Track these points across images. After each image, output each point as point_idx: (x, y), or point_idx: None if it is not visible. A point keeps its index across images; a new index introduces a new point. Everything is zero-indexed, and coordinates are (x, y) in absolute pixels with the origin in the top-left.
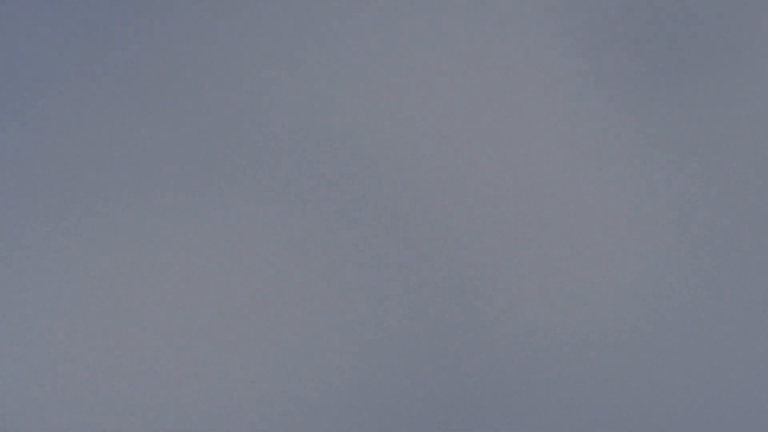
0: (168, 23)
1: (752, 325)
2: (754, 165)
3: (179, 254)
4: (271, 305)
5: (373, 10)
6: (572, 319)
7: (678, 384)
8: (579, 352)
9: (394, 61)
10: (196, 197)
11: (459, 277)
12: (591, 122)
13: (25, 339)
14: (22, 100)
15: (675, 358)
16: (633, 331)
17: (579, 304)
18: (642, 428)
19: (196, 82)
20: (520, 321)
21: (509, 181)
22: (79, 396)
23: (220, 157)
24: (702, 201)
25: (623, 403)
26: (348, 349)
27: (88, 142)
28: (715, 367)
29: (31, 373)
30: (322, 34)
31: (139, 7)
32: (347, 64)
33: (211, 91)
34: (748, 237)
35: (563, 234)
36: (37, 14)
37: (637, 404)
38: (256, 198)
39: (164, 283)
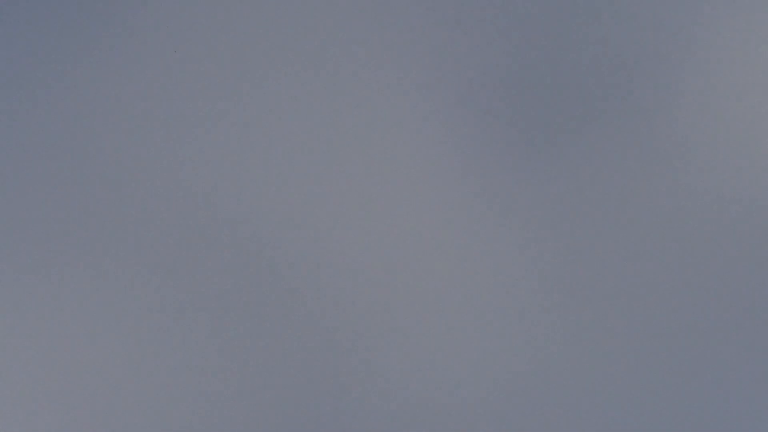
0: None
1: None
2: (636, 237)
3: (51, 324)
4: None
5: (250, 105)
6: (447, 389)
7: None
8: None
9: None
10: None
11: (332, 350)
12: (463, 191)
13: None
14: None
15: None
16: (504, 397)
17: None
18: None
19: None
20: (392, 387)
21: (385, 252)
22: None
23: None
24: (578, 274)
25: None
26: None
27: None
28: None
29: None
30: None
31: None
32: (233, 152)
33: (103, 158)
34: (629, 309)
35: (436, 304)
36: None
37: None
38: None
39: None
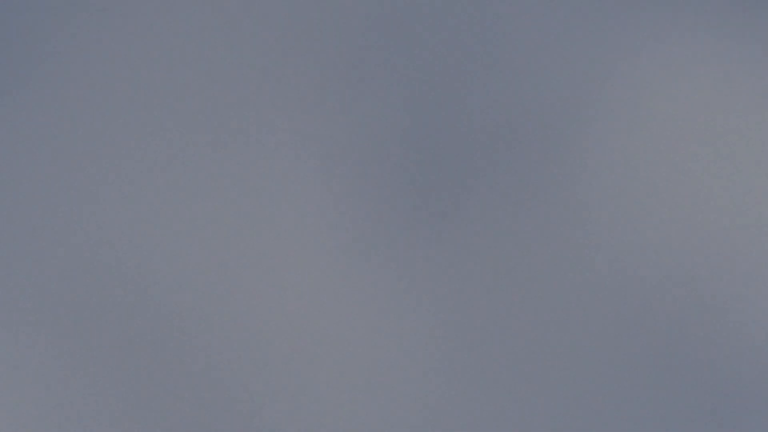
0: None
1: None
2: (529, 302)
3: None
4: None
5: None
6: None
7: None
8: None
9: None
10: None
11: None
12: (354, 259)
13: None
14: None
15: None
16: None
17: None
18: None
19: None
20: None
21: (282, 318)
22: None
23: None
24: (466, 336)
25: None
26: None
27: None
28: None
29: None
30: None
31: None
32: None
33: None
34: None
35: (330, 364)
36: None
37: None
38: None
39: None
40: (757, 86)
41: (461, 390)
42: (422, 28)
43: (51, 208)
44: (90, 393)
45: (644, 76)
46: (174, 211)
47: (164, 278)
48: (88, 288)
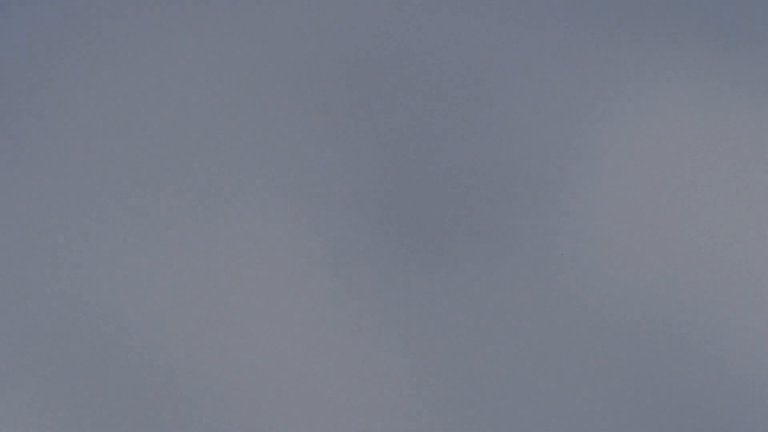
0: None
1: None
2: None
3: None
4: None
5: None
6: None
7: None
8: None
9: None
10: None
11: None
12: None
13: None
14: None
15: None
16: None
17: None
18: None
19: None
20: None
21: (271, 368)
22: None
23: None
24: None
25: None
26: None
27: None
28: None
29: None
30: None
31: None
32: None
33: None
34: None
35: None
36: None
37: None
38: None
39: None
40: (748, 130)
41: None
42: (408, 78)
43: (43, 264)
44: None
45: (630, 123)
46: (164, 262)
47: (154, 330)
48: (84, 347)
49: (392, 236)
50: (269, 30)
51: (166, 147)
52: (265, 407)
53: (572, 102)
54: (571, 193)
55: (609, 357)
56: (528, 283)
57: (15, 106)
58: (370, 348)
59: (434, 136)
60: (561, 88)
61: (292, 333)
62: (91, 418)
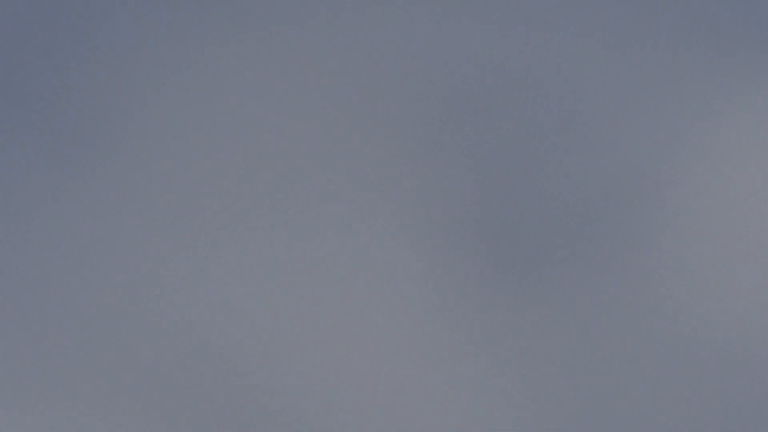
0: None
1: None
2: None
3: None
4: None
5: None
6: None
7: None
8: None
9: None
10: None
11: None
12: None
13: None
14: None
15: None
16: None
17: None
18: None
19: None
20: None
21: (364, 382)
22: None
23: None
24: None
25: None
26: None
27: None
28: None
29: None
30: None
31: None
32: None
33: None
34: None
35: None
36: None
37: None
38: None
39: None
40: None
41: None
42: (497, 100)
43: (142, 277)
44: None
45: (725, 143)
46: (258, 280)
47: (252, 348)
48: (176, 363)
49: (488, 252)
50: (367, 48)
51: (260, 167)
52: (368, 428)
53: (669, 117)
54: (668, 210)
55: (713, 375)
56: (625, 304)
57: (115, 110)
58: (467, 367)
59: (529, 156)
60: (660, 98)
61: (387, 353)
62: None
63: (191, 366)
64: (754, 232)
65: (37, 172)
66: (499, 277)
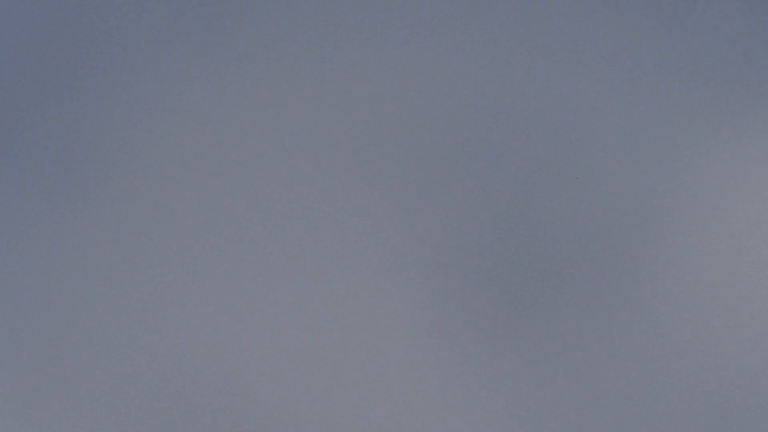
0: None
1: None
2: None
3: None
4: None
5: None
6: None
7: None
8: None
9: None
10: None
11: None
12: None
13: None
14: None
15: None
16: None
17: None
18: None
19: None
20: None
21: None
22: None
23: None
24: None
25: None
26: None
27: None
28: None
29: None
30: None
31: None
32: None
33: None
34: None
35: None
36: None
37: None
38: None
39: None
40: None
41: None
42: (498, 141)
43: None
44: None
45: (731, 185)
46: (270, 327)
47: (262, 392)
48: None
49: (492, 295)
50: (369, 88)
51: (260, 205)
52: None
53: (674, 157)
54: (671, 252)
55: (716, 419)
56: (625, 344)
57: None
58: (467, 410)
59: (534, 195)
60: (665, 147)
61: (397, 393)
62: None
63: (193, 403)
64: (756, 274)
65: (32, 207)
66: (500, 318)
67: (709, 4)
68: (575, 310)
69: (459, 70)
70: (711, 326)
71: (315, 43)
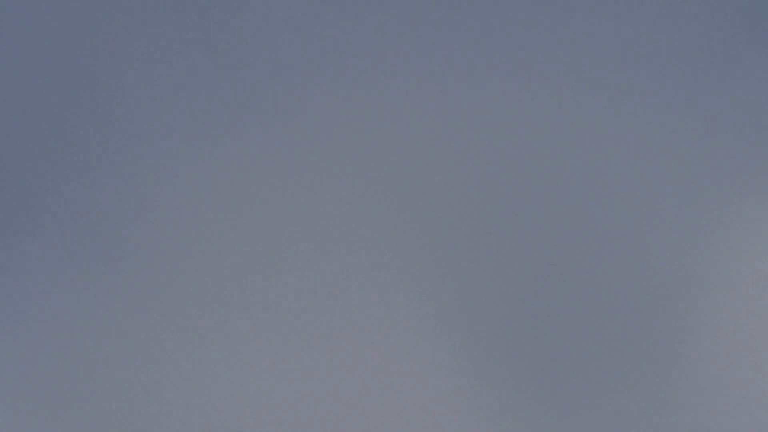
0: None
1: None
2: None
3: None
4: None
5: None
6: None
7: None
8: None
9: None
10: None
11: None
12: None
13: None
14: None
15: None
16: None
17: None
18: None
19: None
20: None
21: None
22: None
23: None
24: None
25: None
26: None
27: None
28: None
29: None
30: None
31: None
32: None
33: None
34: None
35: None
36: None
37: None
38: None
39: None
40: None
41: None
42: (524, 214)
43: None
44: None
45: (751, 260)
46: (284, 383)
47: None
48: None
49: (518, 357)
50: (387, 161)
51: (285, 270)
52: None
53: (695, 231)
54: (691, 327)
55: None
56: (648, 408)
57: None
58: None
59: (555, 270)
60: (684, 215)
61: None
62: None
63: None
64: None
65: (56, 282)
66: (524, 382)
67: (740, 67)
68: (596, 386)
69: (479, 138)
70: (733, 408)
71: (339, 111)
